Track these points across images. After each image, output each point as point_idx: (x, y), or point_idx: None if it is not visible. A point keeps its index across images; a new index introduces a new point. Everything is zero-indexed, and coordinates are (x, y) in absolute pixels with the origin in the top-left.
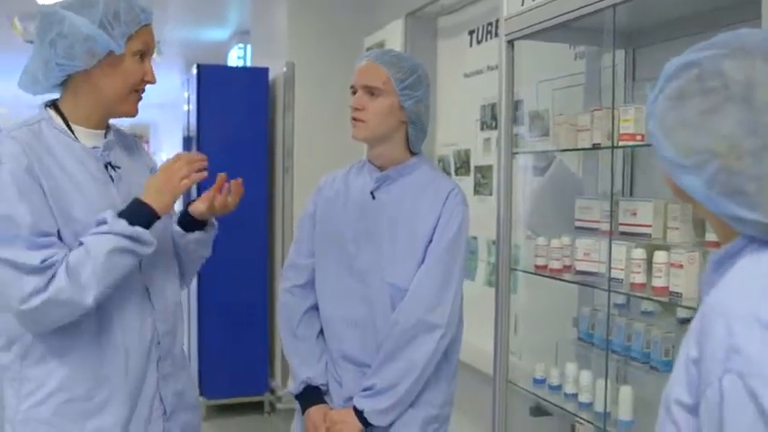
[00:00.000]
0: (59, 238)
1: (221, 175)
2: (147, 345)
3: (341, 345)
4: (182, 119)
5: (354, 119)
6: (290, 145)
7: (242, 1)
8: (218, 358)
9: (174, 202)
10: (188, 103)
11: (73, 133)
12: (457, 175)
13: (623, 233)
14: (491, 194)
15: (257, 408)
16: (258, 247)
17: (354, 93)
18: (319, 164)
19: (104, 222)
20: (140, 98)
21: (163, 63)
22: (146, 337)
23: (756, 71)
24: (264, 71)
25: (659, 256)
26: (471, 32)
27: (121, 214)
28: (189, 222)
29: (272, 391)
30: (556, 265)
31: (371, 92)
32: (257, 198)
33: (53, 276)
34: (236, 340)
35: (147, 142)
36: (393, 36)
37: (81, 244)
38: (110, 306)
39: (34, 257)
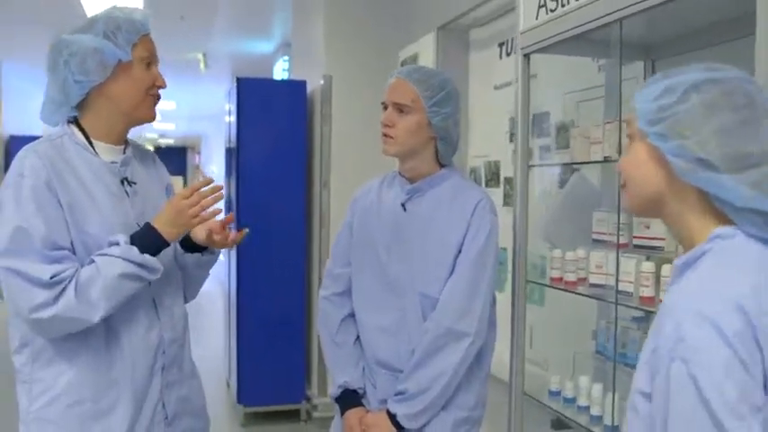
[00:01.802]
0: (73, 249)
1: (230, 216)
2: (152, 353)
3: (375, 351)
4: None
5: (384, 135)
6: (328, 156)
7: (285, 15)
8: (256, 367)
9: (184, 234)
10: (229, 115)
11: (93, 148)
12: (487, 186)
13: (637, 246)
14: None
15: (294, 416)
16: (296, 257)
17: (385, 109)
18: (356, 175)
19: (117, 244)
20: (156, 102)
21: (210, 76)
22: (152, 346)
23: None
24: (302, 84)
25: (666, 270)
26: (501, 45)
27: (133, 238)
28: (190, 243)
29: (309, 400)
30: (571, 277)
31: (401, 109)
32: (295, 208)
33: (62, 291)
34: (275, 349)
35: (199, 153)
36: (426, 49)
37: (92, 262)
38: (118, 316)
39: (45, 271)
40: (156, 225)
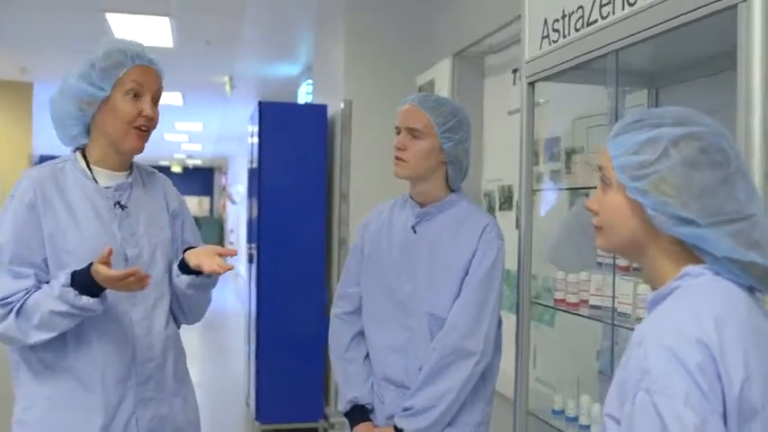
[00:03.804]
0: (46, 266)
1: (233, 250)
2: (124, 368)
3: (384, 368)
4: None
5: (397, 158)
6: (347, 178)
7: (309, 39)
8: (274, 384)
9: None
10: (251, 137)
11: (92, 174)
12: (500, 210)
13: (638, 269)
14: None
15: None
16: (315, 276)
17: (398, 133)
18: (375, 197)
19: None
20: (142, 134)
21: (237, 98)
22: (123, 361)
23: (740, 153)
24: (323, 108)
25: None
26: (515, 71)
27: (74, 276)
28: (186, 266)
29: (326, 418)
30: (572, 299)
31: (413, 134)
32: (315, 229)
33: (10, 312)
34: (293, 367)
35: (226, 174)
36: (442, 74)
37: (40, 288)
38: (92, 329)
39: (2, 289)
40: (97, 279)
